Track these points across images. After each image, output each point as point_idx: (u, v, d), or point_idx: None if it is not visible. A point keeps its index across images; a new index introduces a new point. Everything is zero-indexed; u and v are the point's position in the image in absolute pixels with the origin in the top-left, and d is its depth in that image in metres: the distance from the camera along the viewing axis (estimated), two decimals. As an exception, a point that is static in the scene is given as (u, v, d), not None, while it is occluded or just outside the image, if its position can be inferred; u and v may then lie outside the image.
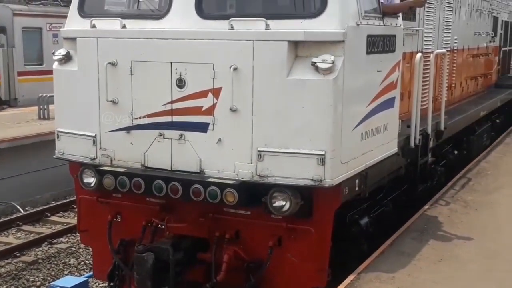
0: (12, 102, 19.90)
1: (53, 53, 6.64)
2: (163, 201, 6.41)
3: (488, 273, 5.97)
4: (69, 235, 11.95)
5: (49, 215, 13.19)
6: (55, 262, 10.87)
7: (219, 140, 5.95)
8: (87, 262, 10.75)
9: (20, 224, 12.61)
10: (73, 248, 11.37)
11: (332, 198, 5.95)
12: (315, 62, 5.55)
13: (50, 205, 13.76)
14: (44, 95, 16.24)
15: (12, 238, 11.96)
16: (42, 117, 16.69)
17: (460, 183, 9.26)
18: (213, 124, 5.96)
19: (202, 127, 6.00)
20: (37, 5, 21.46)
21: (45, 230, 12.42)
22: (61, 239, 11.83)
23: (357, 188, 6.33)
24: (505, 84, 16.15)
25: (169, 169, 6.19)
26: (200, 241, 6.49)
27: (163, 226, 6.53)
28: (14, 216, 13.03)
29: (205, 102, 5.94)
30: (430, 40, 9.53)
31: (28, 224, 12.70)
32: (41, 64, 20.42)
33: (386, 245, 6.59)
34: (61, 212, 13.48)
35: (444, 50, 9.64)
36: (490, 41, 14.41)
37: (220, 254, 6.26)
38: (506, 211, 8.01)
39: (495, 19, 14.83)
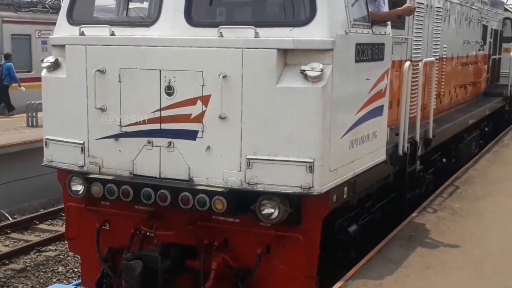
0: (1, 109, 19.80)
1: (42, 61, 6.62)
2: (151, 209, 6.39)
3: (475, 280, 6.00)
4: (57, 243, 11.88)
5: (37, 222, 13.12)
6: (44, 270, 10.81)
7: (208, 147, 5.95)
8: (75, 270, 10.69)
9: (8, 231, 12.54)
10: (61, 256, 11.31)
11: (321, 206, 5.96)
12: (304, 70, 5.57)
13: (39, 213, 13.69)
14: (32, 102, 16.16)
15: (1, 246, 11.87)
16: (30, 124, 16.61)
17: (448, 191, 9.30)
18: (202, 131, 5.95)
19: (191, 135, 5.99)
20: (26, 12, 21.41)
21: (33, 238, 12.35)
22: (49, 247, 11.77)
23: (345, 196, 6.35)
24: (494, 92, 16.26)
25: (158, 176, 6.17)
26: (189, 248, 6.47)
27: (152, 234, 6.51)
28: (3, 223, 12.94)
29: (194, 110, 5.94)
30: (419, 48, 9.59)
31: (17, 232, 12.62)
32: (29, 71, 20.35)
33: (373, 252, 6.61)
34: (50, 220, 13.41)
35: (432, 59, 9.71)
36: (479, 50, 14.51)
37: (208, 262, 6.24)
38: (493, 218, 8.06)
39: (485, 28, 14.95)
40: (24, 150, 13.90)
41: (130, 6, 7.09)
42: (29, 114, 16.62)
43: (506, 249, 6.87)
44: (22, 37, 20.38)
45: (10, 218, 13.31)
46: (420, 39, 9.63)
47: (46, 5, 22.47)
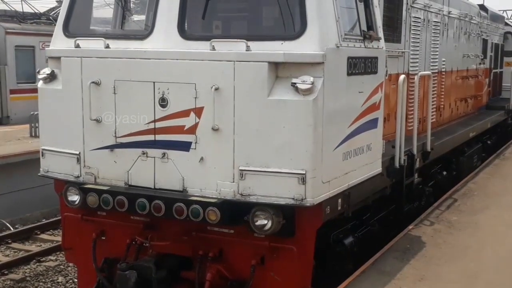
0: (4, 120, 19.94)
1: (38, 72, 6.72)
2: (147, 219, 6.45)
3: (468, 293, 6.01)
4: (58, 253, 11.89)
5: (38, 233, 13.16)
6: (43, 280, 10.83)
7: (202, 159, 6.01)
8: (75, 280, 10.69)
9: (9, 241, 12.57)
10: (61, 266, 11.33)
11: (314, 217, 5.99)
12: (295, 83, 5.63)
13: (40, 223, 13.74)
14: (36, 113, 16.25)
15: (1, 256, 11.92)
16: (33, 135, 16.72)
17: (446, 204, 9.30)
18: (196, 143, 6.01)
19: (184, 146, 6.06)
20: (30, 24, 21.62)
21: (34, 248, 12.38)
22: (49, 257, 11.78)
23: (339, 208, 6.37)
24: (496, 106, 16.29)
25: (152, 187, 6.23)
26: (184, 259, 6.50)
27: (148, 244, 6.55)
28: (3, 233, 12.99)
29: (187, 121, 6.01)
30: (417, 62, 9.65)
31: (18, 242, 12.66)
32: (33, 82, 20.51)
33: (368, 264, 6.62)
34: (51, 230, 13.44)
35: (428, 72, 9.75)
36: (480, 63, 14.55)
37: (203, 273, 6.27)
38: (490, 231, 8.05)
39: (485, 42, 15.00)
40: (27, 160, 14.00)
41: (126, 19, 7.18)
42: (32, 124, 16.74)
43: (502, 263, 6.87)
44: (26, 48, 20.59)
45: (11, 228, 13.37)
46: (418, 52, 9.69)
47: (50, 17, 22.69)
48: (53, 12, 23.43)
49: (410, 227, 8.03)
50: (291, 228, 6.00)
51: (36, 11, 23.18)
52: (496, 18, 16.80)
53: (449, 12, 11.56)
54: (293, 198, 5.74)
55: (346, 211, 6.58)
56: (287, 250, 6.03)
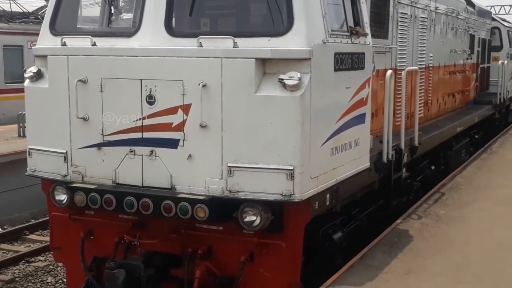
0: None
1: (24, 71, 6.68)
2: (135, 218, 6.43)
3: (453, 285, 6.04)
4: (47, 253, 11.82)
5: (27, 233, 13.08)
6: (32, 281, 10.76)
7: (190, 156, 6.00)
8: (64, 280, 10.63)
9: (-2, 242, 12.53)
10: (51, 267, 11.27)
11: (302, 213, 6.01)
12: (282, 79, 5.64)
13: (29, 223, 13.66)
14: (24, 112, 16.14)
15: (-11, 257, 11.86)
16: (21, 135, 16.60)
17: (434, 198, 9.37)
18: (184, 140, 6.00)
19: (172, 143, 6.05)
20: (19, 23, 21.48)
21: (23, 248, 12.30)
22: (39, 257, 11.72)
23: (328, 203, 6.39)
24: (484, 100, 16.40)
25: (140, 185, 6.22)
26: (173, 257, 6.50)
27: (136, 243, 6.54)
28: (-8, 234, 12.94)
29: (175, 119, 5.99)
30: (404, 57, 9.69)
31: (6, 243, 12.57)
32: (22, 82, 20.29)
33: (356, 258, 6.66)
34: (40, 231, 13.36)
35: (416, 67, 9.80)
36: (467, 58, 14.64)
37: (192, 270, 6.27)
38: (476, 225, 8.12)
39: (472, 37, 15.09)
40: (15, 160, 13.89)
41: (113, 17, 7.16)
42: (21, 124, 16.63)
43: (487, 255, 6.93)
44: (14, 48, 20.45)
45: (0, 229, 13.28)
46: (405, 48, 9.73)
47: (39, 16, 22.52)
48: (42, 11, 23.24)
49: (398, 221, 8.08)
50: (279, 224, 6.01)
51: (25, 10, 23.02)
52: (483, 13, 16.90)
53: (436, 8, 11.62)
54: (282, 194, 5.75)
55: (335, 206, 6.61)
56: (276, 246, 6.05)
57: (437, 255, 6.84)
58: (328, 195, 6.35)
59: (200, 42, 5.84)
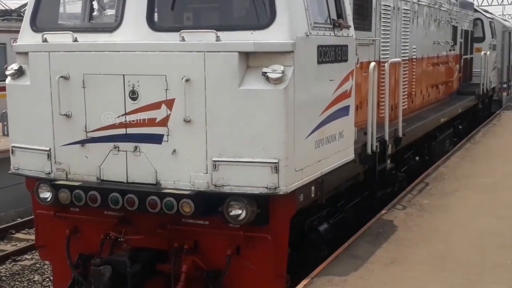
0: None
1: (5, 68, 6.63)
2: (121, 214, 6.41)
3: (437, 273, 6.10)
4: (33, 252, 11.75)
5: (13, 232, 13.02)
6: (19, 280, 10.72)
7: (174, 151, 5.99)
8: (51, 278, 10.57)
9: (-17, 242, 12.45)
10: (37, 265, 11.23)
11: (288, 205, 6.02)
12: (266, 72, 5.64)
13: (15, 222, 13.58)
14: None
15: (-24, 256, 11.77)
16: (6, 133, 16.46)
17: (418, 188, 9.45)
18: (168, 135, 5.99)
19: (156, 139, 6.03)
20: (1, 21, 21.25)
21: (9, 247, 12.24)
22: (25, 256, 11.67)
23: (313, 195, 6.42)
24: (467, 91, 16.51)
25: (125, 181, 6.20)
26: (159, 252, 6.49)
27: (122, 239, 6.52)
28: (-22, 234, 12.85)
29: (158, 114, 5.98)
30: (387, 49, 9.72)
31: (-8, 242, 12.54)
32: (4, 80, 20.17)
33: (341, 249, 6.70)
34: (26, 229, 13.29)
35: (399, 59, 9.84)
36: (450, 50, 14.72)
37: (179, 265, 6.27)
38: (459, 213, 8.20)
39: (455, 28, 15.17)
40: (0, 159, 13.79)
41: (95, 12, 7.11)
42: (5, 123, 16.48)
43: (470, 243, 7.01)
44: (-4, 45, 20.25)
45: (-15, 228, 13.20)
46: (388, 40, 9.76)
47: (21, 14, 22.28)
48: (24, 9, 22.89)
49: (383, 212, 8.14)
50: (265, 217, 6.03)
51: (7, 8, 22.77)
52: (466, 5, 16.99)
53: (418, 0, 11.66)
54: (267, 187, 5.77)
55: (320, 198, 6.64)
56: (262, 239, 6.06)
57: (421, 244, 6.91)
58: (313, 187, 6.37)
59: (183, 37, 5.82)
